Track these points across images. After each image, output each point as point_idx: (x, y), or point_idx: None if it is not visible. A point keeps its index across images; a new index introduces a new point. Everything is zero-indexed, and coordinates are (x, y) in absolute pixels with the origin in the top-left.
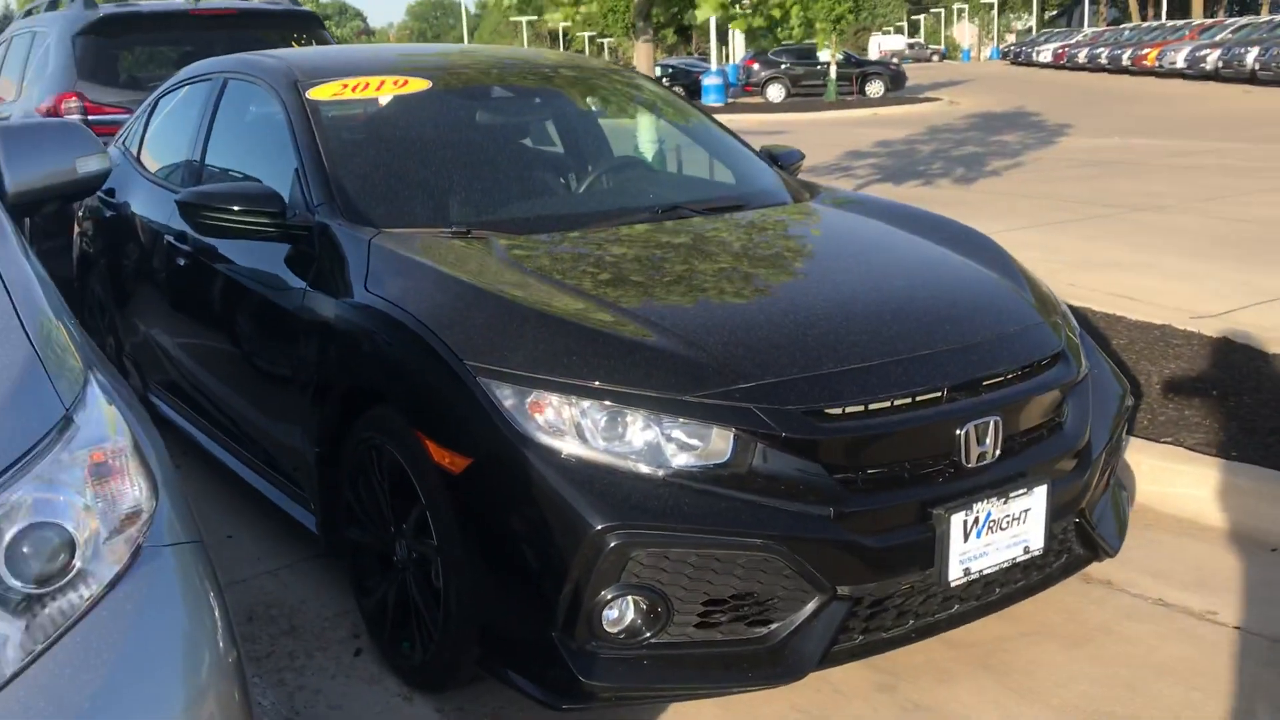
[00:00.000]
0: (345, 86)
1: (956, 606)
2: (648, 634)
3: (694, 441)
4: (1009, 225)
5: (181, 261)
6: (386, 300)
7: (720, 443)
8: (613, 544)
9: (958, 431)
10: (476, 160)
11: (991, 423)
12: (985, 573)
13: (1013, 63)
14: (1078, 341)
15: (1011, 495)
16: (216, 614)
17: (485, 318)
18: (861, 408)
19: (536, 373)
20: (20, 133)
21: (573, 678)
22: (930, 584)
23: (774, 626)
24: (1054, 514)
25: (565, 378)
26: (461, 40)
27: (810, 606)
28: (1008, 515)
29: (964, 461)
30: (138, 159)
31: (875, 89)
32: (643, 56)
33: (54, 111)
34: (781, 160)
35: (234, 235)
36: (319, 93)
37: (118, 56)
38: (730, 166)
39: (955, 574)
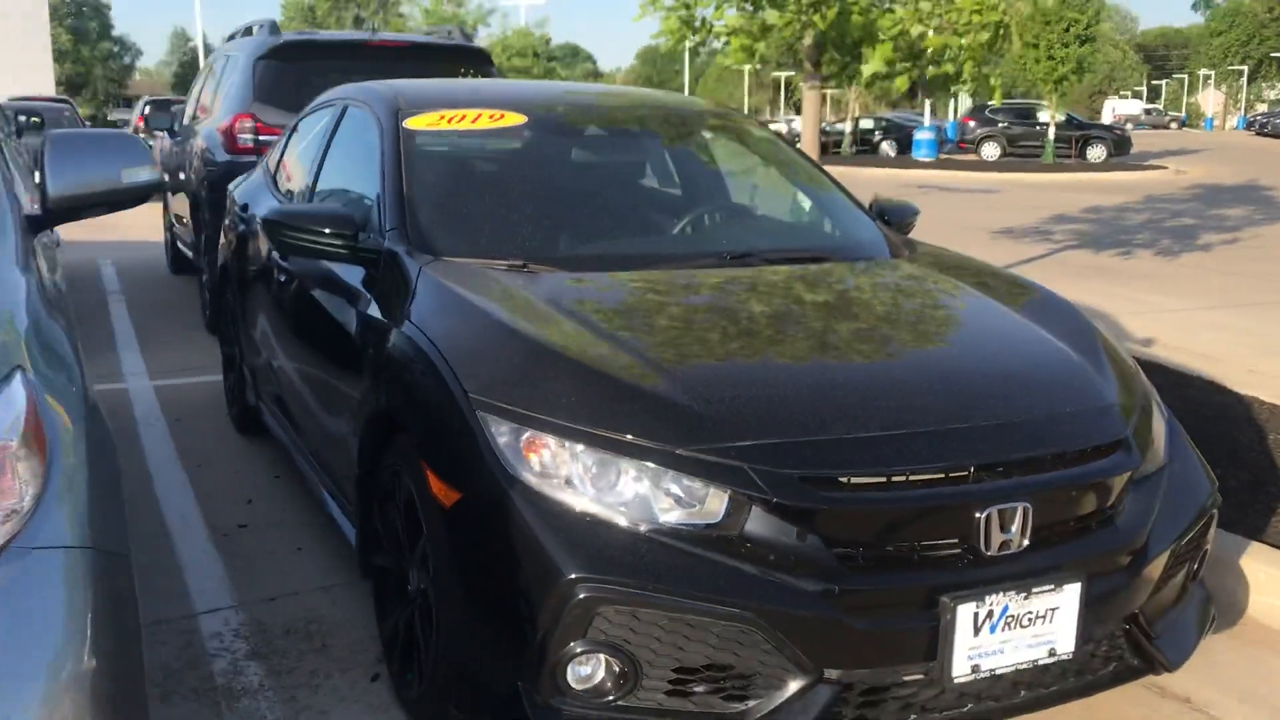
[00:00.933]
0: (442, 118)
1: (971, 705)
2: (613, 696)
3: (687, 499)
4: (1199, 303)
5: (278, 278)
6: (418, 328)
7: (715, 503)
8: (580, 596)
9: (978, 515)
10: (554, 196)
11: (1019, 509)
12: (998, 672)
13: (1258, 133)
14: (1155, 429)
15: (1035, 591)
16: (86, 622)
17: (500, 352)
18: (866, 479)
19: (535, 411)
20: (69, 141)
21: None
22: (932, 678)
23: (751, 704)
24: (1092, 616)
25: (562, 419)
26: (683, 88)
27: (792, 687)
28: (1029, 612)
29: (983, 548)
30: (272, 177)
31: (1096, 153)
32: (809, 105)
33: (230, 130)
34: (890, 215)
35: (309, 255)
36: (415, 122)
37: (294, 81)
38: (829, 217)
39: (961, 670)
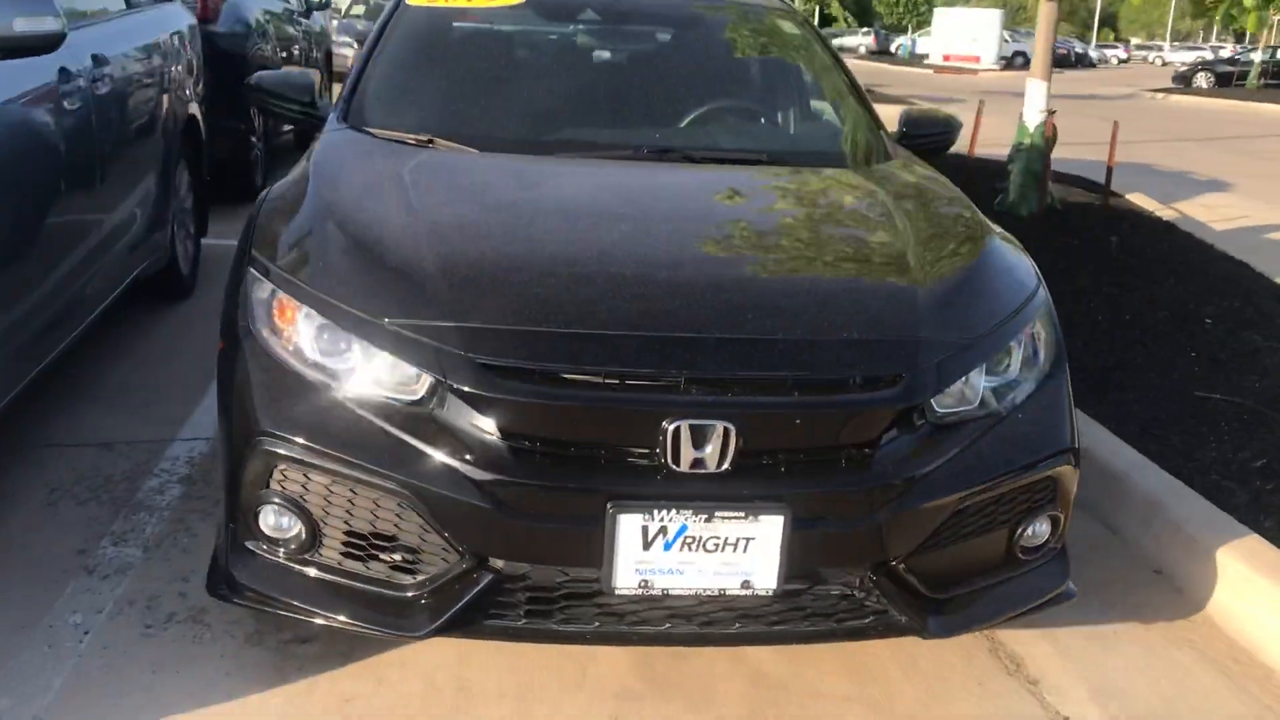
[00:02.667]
0: None
1: (669, 625)
2: (296, 549)
3: (400, 375)
4: None
5: None
6: (273, 189)
7: (424, 381)
8: (259, 451)
9: (666, 427)
10: (507, 77)
11: (719, 428)
12: (675, 592)
13: None
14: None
15: (720, 516)
16: None
17: (295, 217)
18: (547, 371)
19: (290, 275)
20: None
21: (229, 569)
22: (601, 588)
23: (419, 579)
24: (807, 555)
25: (306, 285)
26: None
27: (450, 568)
28: (715, 537)
29: (671, 463)
30: None
31: None
32: (1044, 20)
33: None
34: (914, 128)
35: (279, 118)
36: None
37: None
38: (829, 121)
39: (626, 582)
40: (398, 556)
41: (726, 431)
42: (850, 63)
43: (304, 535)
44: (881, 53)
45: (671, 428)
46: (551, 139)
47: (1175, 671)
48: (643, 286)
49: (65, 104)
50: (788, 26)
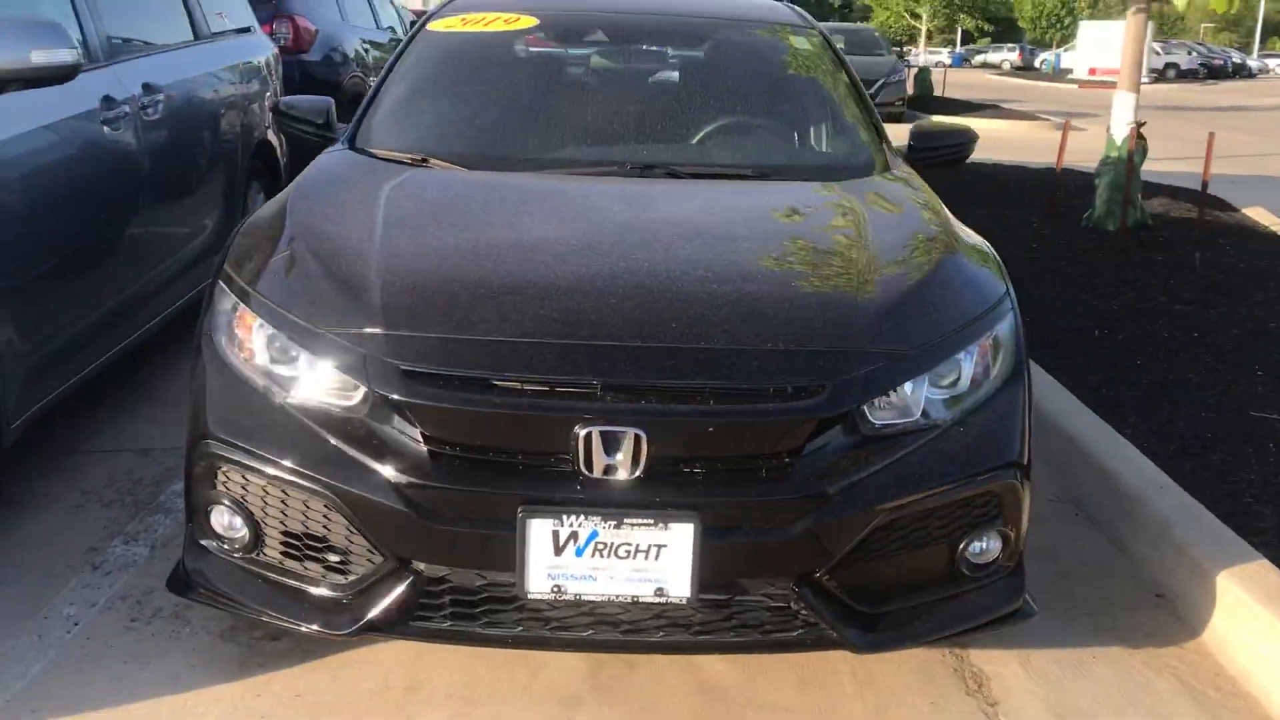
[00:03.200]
0: (464, 21)
1: (591, 632)
2: (242, 548)
3: (333, 381)
4: None
5: None
6: (263, 208)
7: (356, 389)
8: (205, 452)
9: (579, 433)
10: (506, 97)
11: (630, 435)
12: (587, 597)
13: None
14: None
15: (629, 522)
16: None
17: (266, 232)
18: (460, 377)
19: (250, 287)
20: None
21: (185, 566)
22: (518, 589)
23: (349, 579)
24: (722, 564)
25: (263, 296)
26: None
27: (374, 570)
28: (626, 544)
29: (583, 469)
30: None
31: None
32: (1131, 31)
33: None
34: (922, 142)
35: (300, 139)
36: (439, 24)
37: None
38: (829, 136)
39: (539, 586)
40: (329, 558)
41: (638, 438)
42: (992, 79)
43: (248, 535)
44: (1026, 68)
45: (583, 433)
46: (541, 156)
47: (1148, 698)
48: (571, 297)
49: (107, 129)
50: (798, 41)
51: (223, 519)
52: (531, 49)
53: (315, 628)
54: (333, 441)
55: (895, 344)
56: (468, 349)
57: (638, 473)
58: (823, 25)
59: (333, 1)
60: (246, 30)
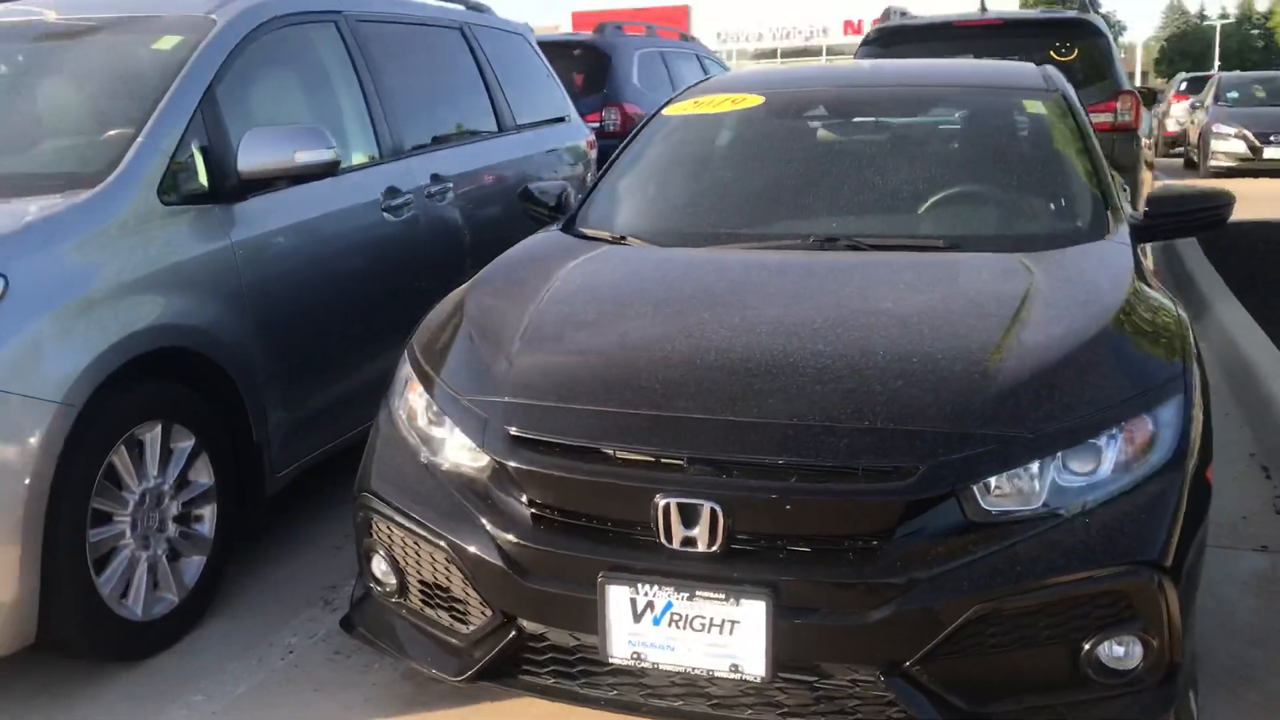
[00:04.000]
0: (696, 104)
1: (681, 702)
2: (391, 593)
3: (465, 443)
4: None
5: None
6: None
7: (481, 452)
8: (360, 504)
9: (658, 502)
10: (722, 175)
11: (706, 508)
12: (665, 667)
13: None
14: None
15: (700, 595)
16: None
17: (450, 305)
18: (559, 443)
19: (421, 357)
20: (258, 132)
21: (352, 608)
22: (600, 653)
23: (469, 629)
24: (797, 645)
25: (425, 365)
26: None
27: (486, 622)
28: (700, 616)
29: (662, 539)
30: None
31: None
32: None
33: None
34: (1158, 208)
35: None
36: (673, 109)
37: None
38: (1048, 204)
39: (620, 651)
40: (455, 608)
41: (714, 512)
42: None
43: (395, 581)
44: None
45: (662, 504)
46: (734, 230)
47: None
48: (677, 369)
49: (388, 216)
50: (1034, 106)
51: (380, 565)
52: (753, 128)
53: (435, 671)
54: (460, 499)
55: (1011, 427)
56: (568, 417)
57: (715, 547)
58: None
59: (665, 87)
60: (560, 120)
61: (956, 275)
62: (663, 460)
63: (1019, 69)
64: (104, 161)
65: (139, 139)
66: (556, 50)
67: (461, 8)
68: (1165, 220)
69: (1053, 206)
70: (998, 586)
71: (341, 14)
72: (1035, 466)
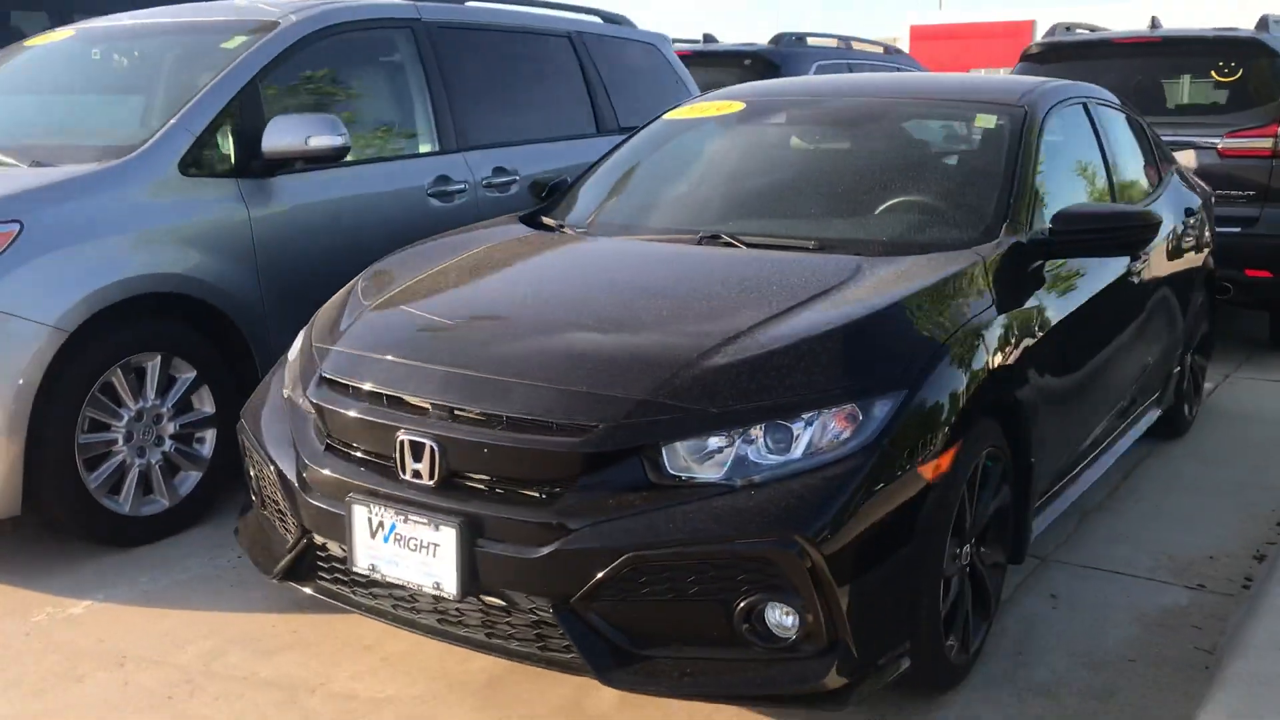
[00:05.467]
0: (692, 109)
1: (419, 616)
2: (253, 497)
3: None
4: None
5: None
6: None
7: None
8: (238, 430)
9: (397, 438)
10: (670, 175)
11: (428, 446)
12: (392, 580)
13: None
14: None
15: (412, 519)
16: None
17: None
18: (343, 383)
19: (315, 316)
20: (281, 119)
21: (238, 517)
22: (349, 563)
23: (287, 539)
24: (482, 573)
25: (316, 316)
26: None
27: (292, 532)
28: (413, 538)
29: (398, 470)
30: None
31: None
32: None
33: None
34: (1062, 225)
35: None
36: (674, 113)
37: None
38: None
39: (362, 563)
40: (282, 520)
41: (434, 450)
42: None
43: (256, 496)
44: None
45: (399, 440)
46: (641, 224)
47: None
48: (455, 329)
49: (433, 201)
50: (985, 120)
51: (249, 479)
52: (711, 133)
53: (260, 570)
54: (288, 429)
55: (698, 402)
56: (364, 364)
57: (432, 480)
58: None
59: None
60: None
61: (783, 272)
62: (408, 403)
63: (1006, 85)
64: (141, 139)
65: (172, 121)
66: (727, 60)
67: (574, 16)
68: (1071, 238)
69: (942, 217)
70: (646, 541)
71: (420, 20)
72: (718, 439)
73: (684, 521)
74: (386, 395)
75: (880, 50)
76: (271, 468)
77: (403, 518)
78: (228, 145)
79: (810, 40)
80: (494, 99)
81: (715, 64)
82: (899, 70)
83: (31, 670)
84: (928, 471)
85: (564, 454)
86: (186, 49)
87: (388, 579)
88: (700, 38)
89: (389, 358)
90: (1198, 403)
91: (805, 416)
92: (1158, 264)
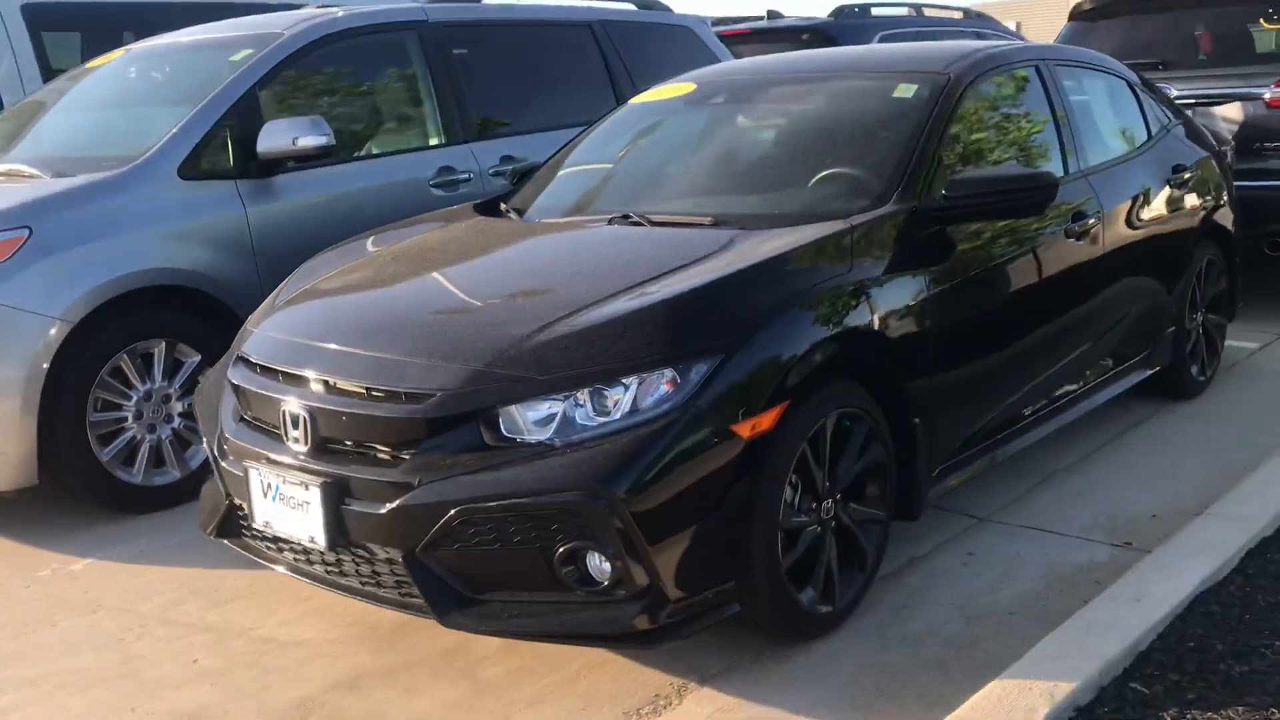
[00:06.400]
0: (656, 92)
1: (324, 572)
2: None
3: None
4: None
5: None
6: None
7: None
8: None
9: (282, 409)
10: (600, 157)
11: (304, 415)
12: (281, 535)
13: None
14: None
15: (289, 480)
16: None
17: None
18: (252, 361)
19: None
20: (274, 123)
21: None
22: (249, 520)
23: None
24: (346, 528)
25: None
26: None
27: (220, 494)
28: (292, 497)
29: (284, 437)
30: None
31: None
32: None
33: None
34: (954, 190)
35: None
36: (640, 96)
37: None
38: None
39: (260, 519)
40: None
41: (306, 419)
42: None
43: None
44: None
45: (282, 410)
46: (566, 206)
47: None
48: (344, 309)
49: (436, 191)
50: (903, 91)
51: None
52: (655, 116)
53: (201, 528)
54: (221, 405)
55: (528, 370)
56: (272, 343)
57: (307, 445)
58: None
59: None
60: None
61: (658, 248)
62: (292, 376)
63: (938, 53)
64: (144, 148)
65: (173, 130)
66: (785, 36)
67: (600, 5)
68: (962, 203)
69: (838, 188)
70: (473, 496)
71: (426, 23)
72: (547, 404)
73: (507, 478)
74: (277, 370)
75: (959, 15)
76: (206, 440)
77: (283, 479)
78: (227, 150)
79: (875, 11)
80: (504, 91)
81: (774, 40)
82: (979, 35)
83: (19, 616)
84: (743, 430)
85: (409, 419)
86: (204, 60)
87: (279, 534)
88: (764, 15)
89: (284, 337)
90: (1213, 363)
91: (625, 381)
92: (1120, 223)
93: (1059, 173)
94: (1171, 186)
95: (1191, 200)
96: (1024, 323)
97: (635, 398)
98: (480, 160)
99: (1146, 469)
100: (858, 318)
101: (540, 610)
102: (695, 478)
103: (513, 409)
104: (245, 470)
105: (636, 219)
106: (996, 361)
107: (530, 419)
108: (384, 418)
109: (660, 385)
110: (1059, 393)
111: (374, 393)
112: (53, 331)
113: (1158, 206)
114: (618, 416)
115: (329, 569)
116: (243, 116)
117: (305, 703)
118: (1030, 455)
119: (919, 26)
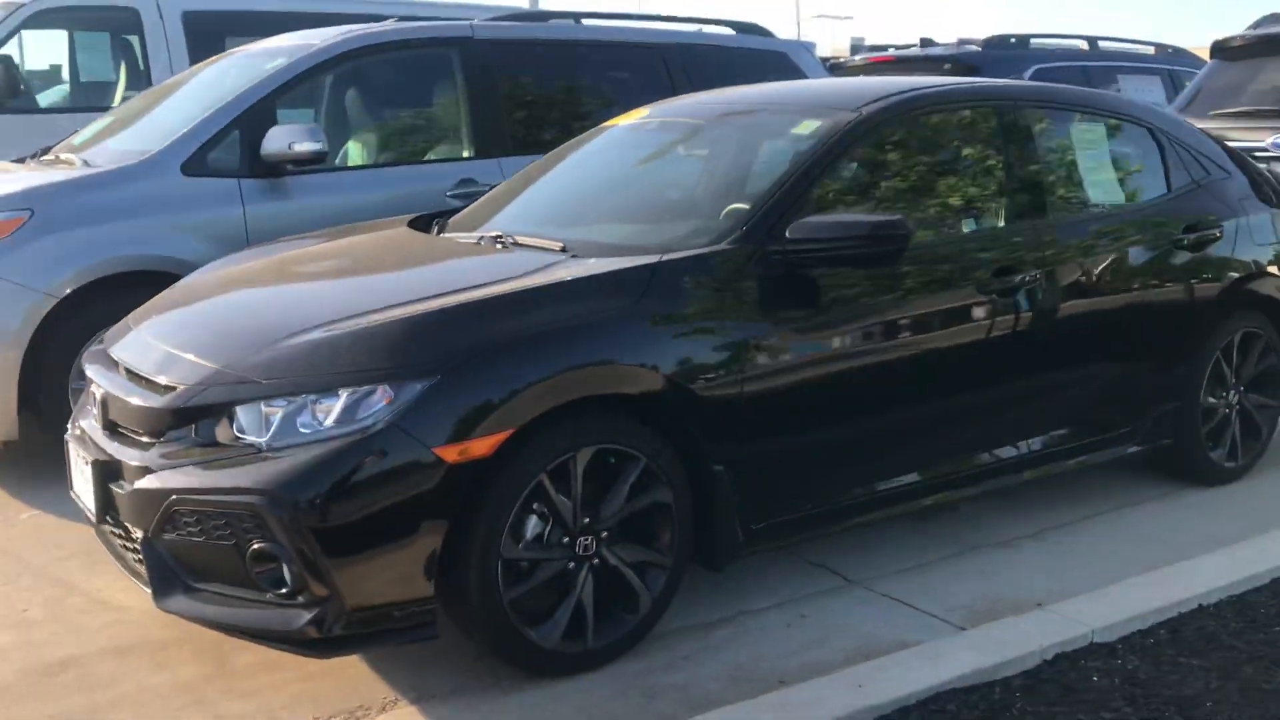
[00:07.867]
0: (622, 118)
1: (120, 546)
2: None
3: None
4: None
5: None
6: None
7: None
8: None
9: (91, 389)
10: (539, 177)
11: (101, 396)
12: (88, 504)
13: None
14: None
15: (80, 459)
16: None
17: None
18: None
19: None
20: (277, 129)
21: None
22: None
23: None
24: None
25: None
26: None
27: None
28: (82, 473)
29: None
30: None
31: None
32: None
33: None
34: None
35: None
36: (613, 120)
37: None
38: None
39: (75, 488)
40: None
41: (102, 400)
42: None
43: None
44: None
45: (91, 389)
46: (476, 224)
47: None
48: (190, 307)
49: (452, 200)
50: (805, 128)
51: None
52: (594, 141)
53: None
54: None
55: (260, 375)
56: (117, 328)
57: (100, 425)
58: None
59: None
60: None
61: (477, 269)
62: (111, 360)
63: (861, 89)
64: (156, 147)
65: (183, 130)
66: (928, 65)
67: (679, 28)
68: (805, 247)
69: (690, 222)
70: (185, 487)
71: (470, 40)
72: (271, 408)
73: (211, 474)
74: (107, 353)
75: (1150, 50)
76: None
77: (80, 454)
78: (234, 151)
79: (1035, 42)
80: (546, 110)
81: (918, 68)
82: (1171, 72)
83: None
84: (449, 454)
85: (158, 410)
86: (244, 68)
87: (87, 505)
88: (918, 42)
89: (129, 324)
90: (1252, 449)
91: (342, 394)
92: (1075, 284)
93: (997, 224)
94: (1179, 247)
95: (1215, 264)
96: (905, 385)
97: (348, 410)
98: (508, 174)
99: (1083, 554)
100: (632, 354)
101: (235, 604)
102: (390, 496)
103: (237, 410)
104: (66, 442)
105: (504, 240)
106: (863, 424)
107: (250, 421)
108: (143, 406)
109: (379, 401)
110: (968, 461)
111: (146, 381)
112: (38, 302)
113: (1149, 268)
114: (327, 427)
115: (124, 544)
116: (257, 122)
117: (68, 661)
118: (989, 520)
119: (1085, 60)
